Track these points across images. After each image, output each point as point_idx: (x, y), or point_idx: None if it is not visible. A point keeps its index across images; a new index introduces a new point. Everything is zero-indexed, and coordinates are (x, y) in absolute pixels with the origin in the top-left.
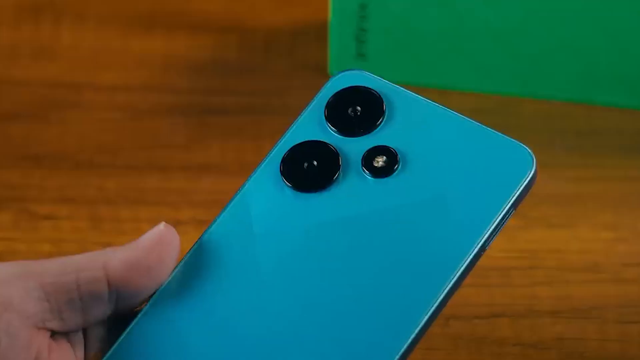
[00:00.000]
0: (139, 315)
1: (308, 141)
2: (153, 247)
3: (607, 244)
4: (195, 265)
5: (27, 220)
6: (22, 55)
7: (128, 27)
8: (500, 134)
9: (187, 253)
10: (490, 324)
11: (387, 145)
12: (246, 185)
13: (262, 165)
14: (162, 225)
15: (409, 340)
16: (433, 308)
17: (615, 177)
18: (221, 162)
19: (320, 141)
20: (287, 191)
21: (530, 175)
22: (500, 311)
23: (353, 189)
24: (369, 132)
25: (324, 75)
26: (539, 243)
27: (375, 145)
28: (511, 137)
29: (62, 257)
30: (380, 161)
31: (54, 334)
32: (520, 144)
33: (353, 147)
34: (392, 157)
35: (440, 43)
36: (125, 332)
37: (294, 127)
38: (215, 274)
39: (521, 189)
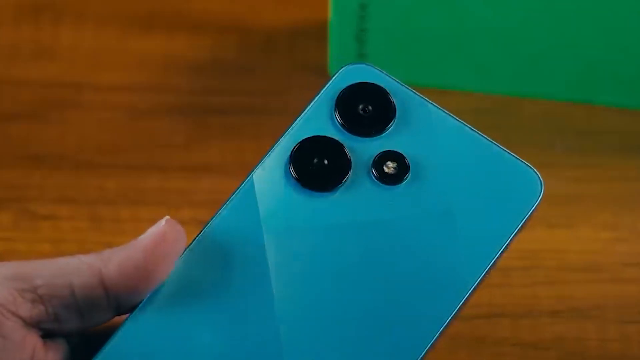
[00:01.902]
0: (132, 314)
1: (319, 137)
2: (153, 247)
3: (607, 243)
4: (195, 260)
5: (27, 220)
6: (22, 55)
7: (128, 27)
8: (509, 153)
9: (187, 248)
10: (490, 324)
11: (398, 151)
12: (250, 179)
13: (268, 159)
14: (163, 221)
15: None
16: (442, 328)
17: (615, 177)
18: (221, 162)
19: (332, 139)
20: (293, 188)
21: (539, 199)
22: (500, 311)
23: (360, 193)
24: (379, 134)
25: (324, 75)
26: (539, 243)
27: (387, 149)
28: (520, 158)
29: (58, 260)
30: (391, 167)
31: (52, 334)
32: (530, 166)
33: (363, 148)
34: (404, 165)
35: (441, 43)
36: (118, 331)
37: (302, 119)
38: (214, 271)
39: (531, 212)
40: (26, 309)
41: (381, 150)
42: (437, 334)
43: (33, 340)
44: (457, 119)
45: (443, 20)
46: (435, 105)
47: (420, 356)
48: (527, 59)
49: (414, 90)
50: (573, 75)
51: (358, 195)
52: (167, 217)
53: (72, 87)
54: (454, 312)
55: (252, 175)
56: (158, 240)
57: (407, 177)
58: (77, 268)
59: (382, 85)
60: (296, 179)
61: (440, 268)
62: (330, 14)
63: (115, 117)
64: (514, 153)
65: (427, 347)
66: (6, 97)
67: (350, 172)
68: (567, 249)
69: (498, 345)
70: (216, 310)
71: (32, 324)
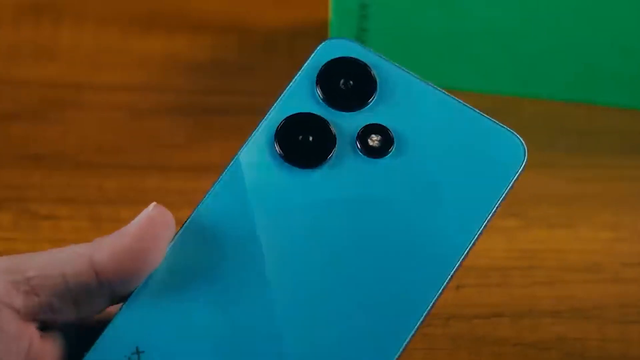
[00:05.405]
0: (126, 302)
1: (303, 114)
2: (142, 231)
3: (607, 243)
4: (186, 244)
5: (27, 220)
6: (22, 55)
7: (128, 27)
8: (492, 120)
9: (177, 233)
10: (490, 324)
11: (382, 124)
12: (236, 160)
13: (253, 138)
14: (151, 207)
15: (412, 332)
16: (435, 298)
17: (615, 177)
18: (221, 162)
19: (316, 115)
20: (279, 166)
21: (523, 165)
22: (500, 311)
23: (347, 167)
24: (362, 108)
25: None
26: (539, 243)
27: (371, 123)
28: (503, 124)
29: (49, 251)
30: (375, 140)
31: (48, 326)
32: (512, 132)
33: (346, 122)
34: (388, 138)
35: (441, 43)
36: (114, 319)
37: (285, 96)
38: (206, 254)
39: (515, 178)
40: (20, 301)
41: (365, 124)
42: (432, 303)
43: (29, 331)
44: (439, 88)
45: (443, 20)
46: (415, 77)
47: (418, 323)
48: (527, 59)
49: (394, 63)
50: (573, 75)
51: (345, 170)
52: (154, 203)
53: (72, 87)
54: (446, 281)
55: (238, 156)
56: (146, 224)
57: (392, 149)
58: (68, 257)
59: (362, 59)
60: (282, 156)
61: (429, 237)
62: (330, 14)
63: (115, 117)
64: None
65: (422, 317)
66: (6, 97)
67: (336, 148)
68: (567, 249)
69: (498, 345)
70: (210, 293)
71: (28, 316)
